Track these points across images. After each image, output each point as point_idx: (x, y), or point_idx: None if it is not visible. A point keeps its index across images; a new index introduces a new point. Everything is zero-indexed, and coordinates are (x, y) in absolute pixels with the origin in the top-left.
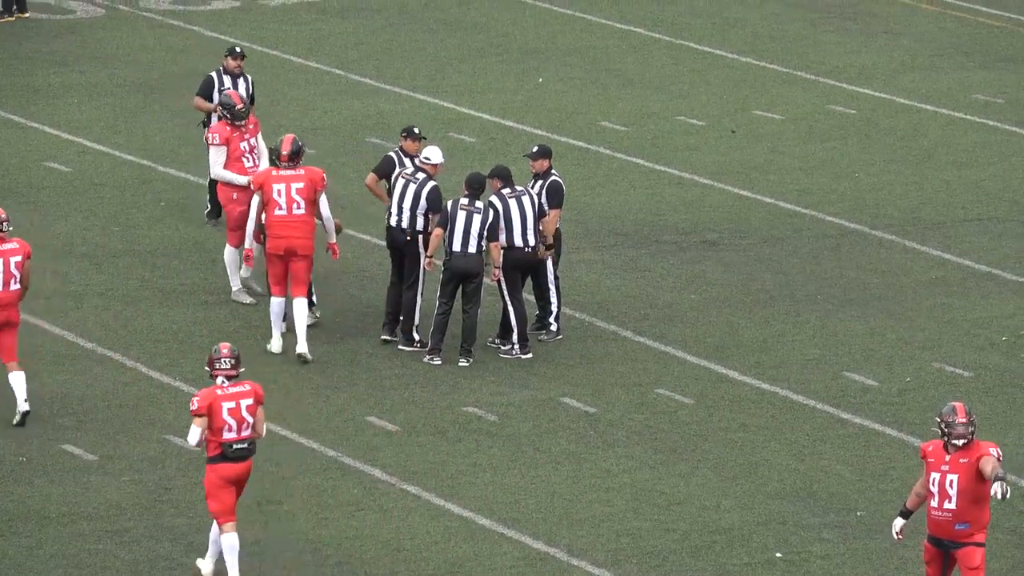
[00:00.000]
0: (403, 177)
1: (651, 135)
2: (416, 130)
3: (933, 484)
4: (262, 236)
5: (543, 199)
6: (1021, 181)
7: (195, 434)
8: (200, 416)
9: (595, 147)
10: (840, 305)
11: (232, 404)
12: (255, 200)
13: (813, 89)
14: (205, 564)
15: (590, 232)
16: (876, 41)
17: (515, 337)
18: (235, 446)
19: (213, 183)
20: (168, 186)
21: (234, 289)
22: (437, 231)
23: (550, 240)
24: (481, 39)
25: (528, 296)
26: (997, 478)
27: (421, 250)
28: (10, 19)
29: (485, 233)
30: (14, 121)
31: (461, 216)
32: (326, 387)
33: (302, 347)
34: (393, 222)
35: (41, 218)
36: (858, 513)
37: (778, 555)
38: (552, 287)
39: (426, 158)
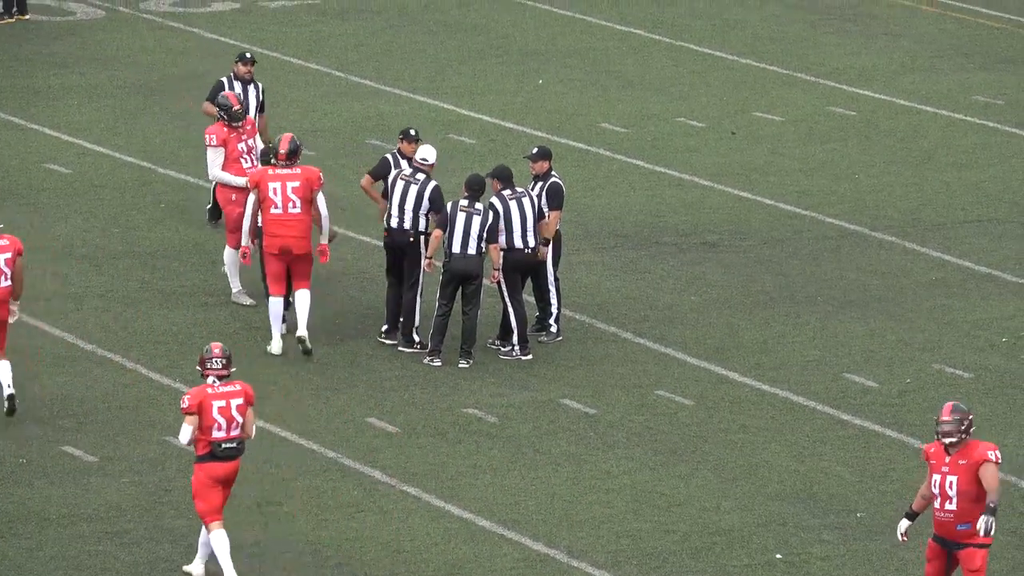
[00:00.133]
0: (402, 179)
1: (651, 137)
2: (413, 132)
3: (935, 486)
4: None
5: (543, 201)
6: (1021, 183)
7: (186, 432)
8: (191, 414)
9: (595, 149)
10: (840, 306)
11: (223, 403)
12: (251, 198)
13: (813, 91)
14: (195, 566)
15: (590, 234)
16: (876, 43)
17: (515, 338)
18: (224, 445)
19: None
20: (168, 188)
21: (234, 291)
22: (437, 232)
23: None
24: (481, 41)
25: (528, 297)
26: (987, 509)
27: (423, 251)
28: (10, 20)
29: (485, 235)
30: (14, 123)
31: (461, 218)
32: (326, 388)
33: (302, 331)
34: (395, 224)
35: (41, 220)
36: (858, 514)
37: (778, 556)
38: (552, 288)
39: (423, 159)
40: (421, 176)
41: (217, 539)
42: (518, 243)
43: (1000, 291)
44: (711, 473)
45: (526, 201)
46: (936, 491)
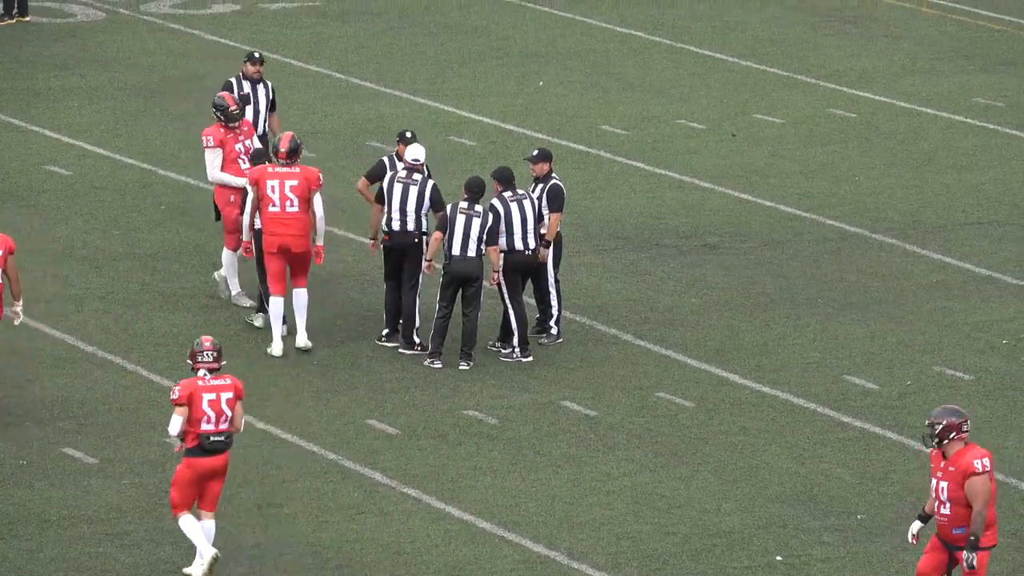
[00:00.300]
0: (399, 182)
1: (651, 139)
2: (409, 134)
3: (932, 490)
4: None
5: (543, 203)
6: (1021, 185)
7: (176, 423)
8: (180, 405)
9: (595, 151)
10: (840, 309)
11: (212, 396)
12: (250, 195)
13: (813, 93)
14: (194, 569)
15: (590, 235)
16: (876, 45)
17: (515, 340)
18: (212, 438)
19: None
20: (169, 190)
21: (233, 293)
22: (436, 235)
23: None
24: (481, 43)
25: (528, 299)
26: (968, 544)
27: (424, 252)
28: (10, 22)
29: (484, 237)
30: (14, 124)
31: (460, 220)
32: (326, 390)
33: (302, 340)
34: (396, 226)
35: (41, 221)
36: (858, 516)
37: (778, 558)
38: (553, 290)
39: (415, 159)
40: (418, 176)
41: (186, 522)
42: (518, 245)
43: (1000, 293)
44: (711, 475)
45: (527, 203)
46: (933, 495)
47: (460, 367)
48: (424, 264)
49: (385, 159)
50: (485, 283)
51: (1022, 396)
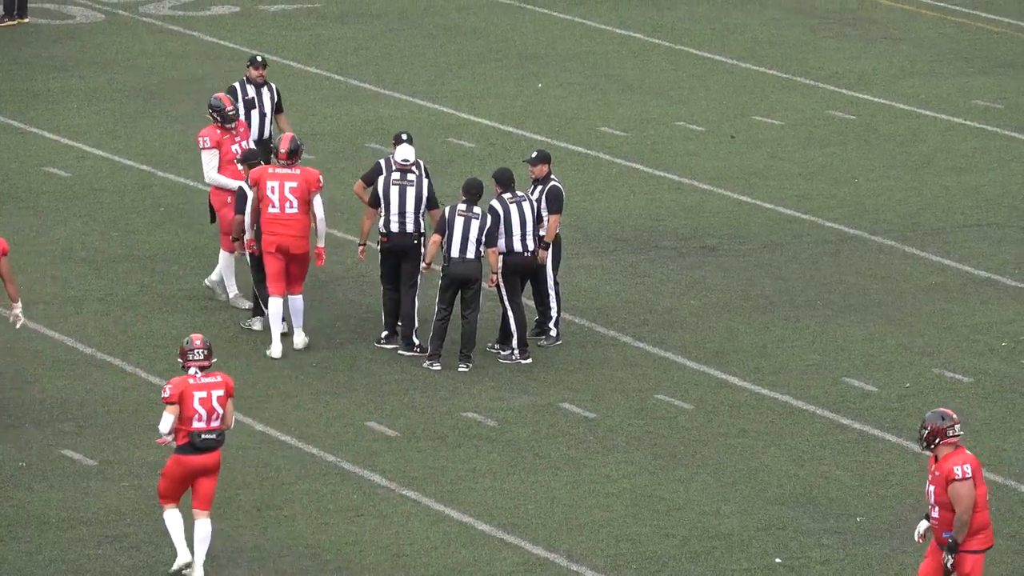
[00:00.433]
0: (395, 184)
1: (651, 140)
2: (405, 137)
3: (925, 493)
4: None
5: (543, 205)
6: (1021, 187)
7: (167, 422)
8: (172, 404)
9: (594, 152)
10: (840, 311)
11: (203, 394)
12: (251, 194)
13: (813, 95)
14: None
15: (590, 237)
16: (876, 47)
17: (515, 342)
18: (203, 436)
19: None
20: (168, 191)
21: (231, 295)
22: (435, 238)
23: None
24: (480, 44)
25: (528, 301)
26: (947, 546)
27: (423, 252)
28: (11, 23)
29: (483, 238)
30: (14, 126)
31: (459, 222)
32: (325, 392)
33: (299, 340)
34: (395, 228)
35: (41, 223)
36: (858, 519)
37: (778, 561)
38: (552, 292)
39: (404, 159)
40: (412, 176)
41: (170, 517)
42: (517, 247)
43: (1000, 295)
44: (710, 477)
45: (526, 205)
46: (927, 497)
47: (459, 369)
48: (422, 266)
49: (381, 162)
50: (484, 285)
51: (1021, 398)
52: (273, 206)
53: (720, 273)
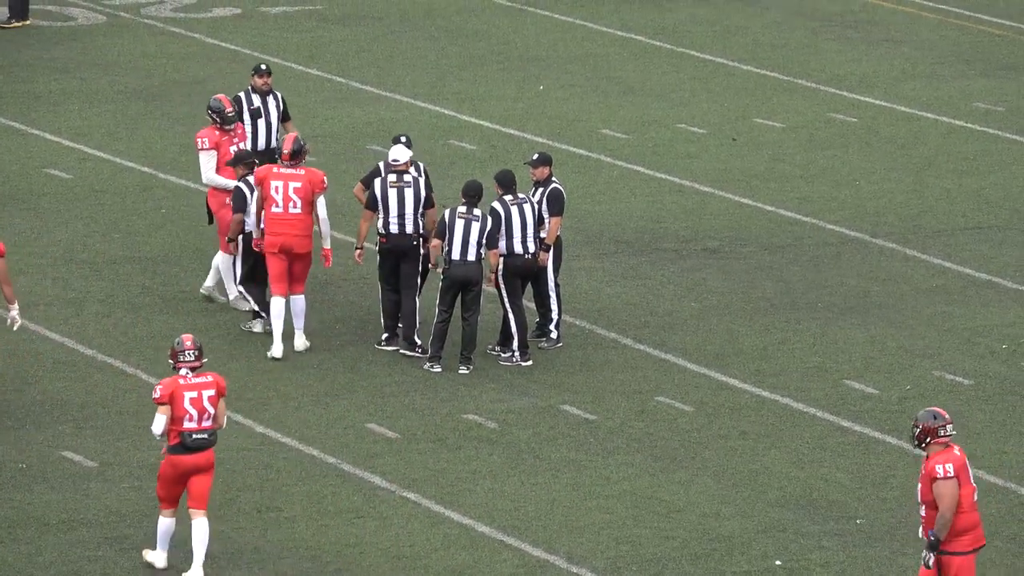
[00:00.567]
0: (392, 187)
1: (652, 143)
2: (403, 139)
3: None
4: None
5: (544, 207)
6: (1022, 189)
7: (159, 422)
8: (163, 405)
9: (596, 155)
10: (840, 313)
11: (194, 394)
12: (255, 194)
13: (814, 97)
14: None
15: (590, 240)
16: (877, 49)
17: (515, 344)
18: (194, 436)
19: None
20: (169, 193)
21: (231, 296)
22: (435, 242)
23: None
24: (482, 47)
25: (528, 303)
26: (928, 543)
27: (421, 253)
28: (17, 25)
29: (484, 241)
30: (15, 128)
31: (459, 224)
32: (326, 394)
33: (299, 342)
34: (395, 230)
35: (42, 225)
36: (858, 521)
37: (778, 563)
38: (552, 294)
39: (394, 159)
40: (408, 177)
41: (162, 524)
42: (518, 249)
43: (1000, 298)
44: (711, 479)
45: (527, 207)
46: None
47: (460, 371)
48: (434, 268)
49: (380, 164)
50: (484, 286)
51: (1022, 401)
52: (277, 206)
53: (721, 275)
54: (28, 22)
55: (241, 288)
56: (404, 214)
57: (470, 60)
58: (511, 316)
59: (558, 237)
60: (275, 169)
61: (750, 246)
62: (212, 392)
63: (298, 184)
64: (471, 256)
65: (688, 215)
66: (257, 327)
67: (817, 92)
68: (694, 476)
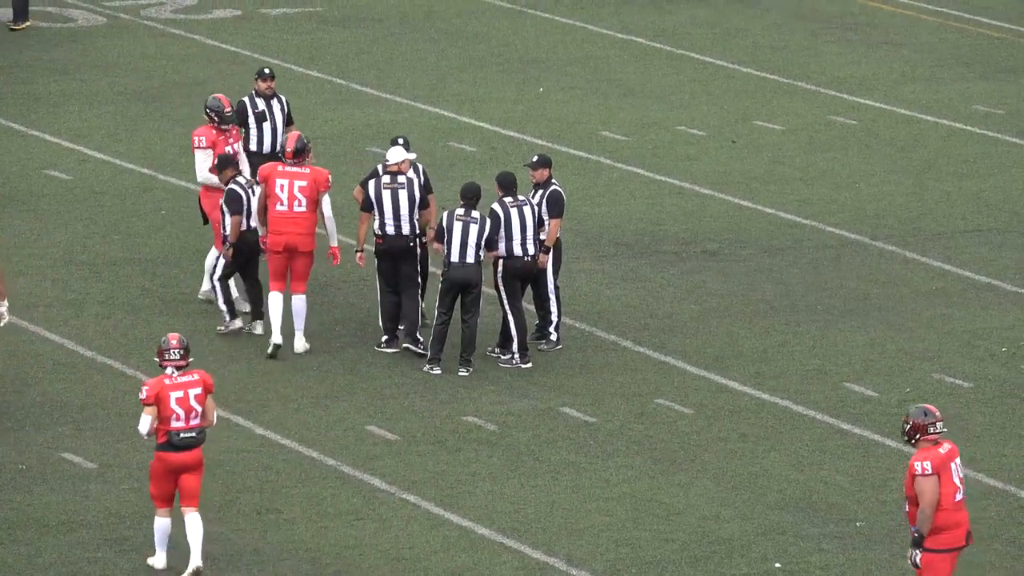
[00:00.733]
0: (387, 188)
1: (652, 145)
2: (401, 141)
3: None
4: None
5: (543, 209)
6: (1021, 192)
7: (145, 423)
8: (149, 405)
9: (595, 157)
10: (840, 316)
11: (180, 393)
12: (259, 191)
13: (814, 100)
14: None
15: (590, 242)
16: (877, 52)
17: (515, 346)
18: (182, 435)
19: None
20: (169, 195)
21: (203, 288)
22: (437, 246)
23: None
24: (482, 49)
25: (528, 305)
26: (912, 540)
27: (418, 253)
28: (22, 26)
29: (483, 243)
30: (15, 129)
31: (458, 227)
32: (325, 396)
33: (299, 344)
34: (390, 231)
35: (42, 226)
36: (857, 523)
37: (777, 565)
38: (552, 297)
39: (386, 160)
40: (402, 179)
41: (158, 524)
42: (518, 251)
43: (1000, 301)
44: (710, 482)
45: (527, 209)
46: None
47: (459, 373)
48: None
49: (379, 167)
50: (484, 288)
51: (1021, 404)
52: (281, 204)
53: (721, 278)
54: (29, 23)
55: (217, 284)
56: (399, 215)
57: (470, 62)
58: (511, 318)
59: (558, 239)
60: (280, 167)
61: (750, 248)
62: (199, 390)
63: (303, 183)
64: (470, 258)
65: (688, 217)
66: (257, 328)
67: (817, 94)
68: (694, 478)
